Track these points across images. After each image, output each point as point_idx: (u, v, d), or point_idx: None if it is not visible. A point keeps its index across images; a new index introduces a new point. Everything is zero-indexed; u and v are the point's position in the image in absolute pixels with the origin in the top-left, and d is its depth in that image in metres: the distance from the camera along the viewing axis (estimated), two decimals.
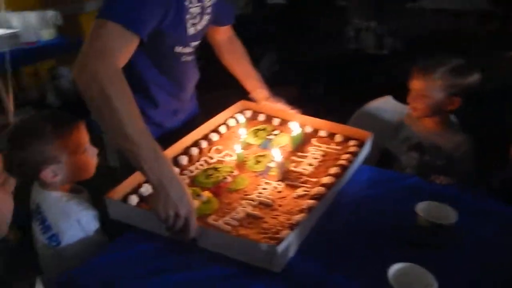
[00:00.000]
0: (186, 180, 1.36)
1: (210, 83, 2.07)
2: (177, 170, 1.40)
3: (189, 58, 1.50)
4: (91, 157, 1.30)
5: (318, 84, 3.88)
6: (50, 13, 3.21)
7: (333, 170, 1.37)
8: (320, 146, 1.55)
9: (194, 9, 1.36)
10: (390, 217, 1.25)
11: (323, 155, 1.50)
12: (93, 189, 1.36)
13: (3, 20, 3.10)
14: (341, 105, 2.05)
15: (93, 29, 1.11)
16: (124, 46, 1.14)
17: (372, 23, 4.27)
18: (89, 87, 1.06)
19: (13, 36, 2.98)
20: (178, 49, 1.42)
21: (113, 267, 1.10)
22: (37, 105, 3.48)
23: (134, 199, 1.25)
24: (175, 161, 1.43)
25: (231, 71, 1.75)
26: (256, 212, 1.21)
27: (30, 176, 1.24)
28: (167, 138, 1.46)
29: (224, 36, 1.72)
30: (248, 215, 1.21)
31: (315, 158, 1.47)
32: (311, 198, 1.23)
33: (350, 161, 1.41)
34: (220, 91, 2.31)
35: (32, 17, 3.13)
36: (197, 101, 1.74)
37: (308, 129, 1.63)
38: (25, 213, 1.27)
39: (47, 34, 3.24)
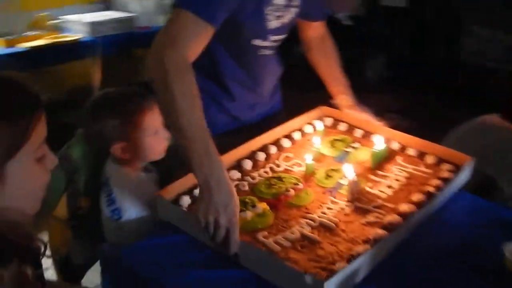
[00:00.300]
0: (245, 188, 1.24)
1: (305, 81, 1.95)
2: (238, 175, 1.28)
3: (268, 52, 1.40)
4: (162, 140, 1.26)
5: (427, 94, 3.54)
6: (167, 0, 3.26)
7: (416, 197, 1.14)
8: (406, 167, 1.32)
9: (279, 1, 1.27)
10: (473, 253, 1.03)
11: (408, 178, 1.27)
12: (164, 170, 1.34)
13: (121, 4, 3.27)
14: (448, 119, 1.76)
15: (169, 17, 1.11)
16: (196, 35, 1.10)
17: (498, 32, 3.75)
18: (154, 72, 1.05)
19: (129, 19, 3.12)
20: (256, 41, 1.33)
21: (156, 252, 1.05)
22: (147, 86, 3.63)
23: (186, 200, 1.16)
24: (238, 165, 1.32)
25: (317, 71, 1.61)
26: (314, 235, 1.04)
27: (103, 149, 1.25)
28: (244, 131, 1.44)
29: (315, 33, 1.58)
30: (304, 237, 1.04)
31: (398, 180, 1.25)
32: (382, 227, 1.03)
33: (439, 189, 1.17)
34: (312, 91, 2.18)
35: (150, 2, 3.24)
36: (280, 97, 1.64)
37: (395, 145, 1.41)
38: (98, 184, 1.29)
39: (162, 20, 3.25)
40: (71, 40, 2.79)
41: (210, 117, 1.31)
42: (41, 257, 0.74)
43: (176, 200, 1.16)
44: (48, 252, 0.72)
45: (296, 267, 0.93)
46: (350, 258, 0.93)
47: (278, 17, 1.31)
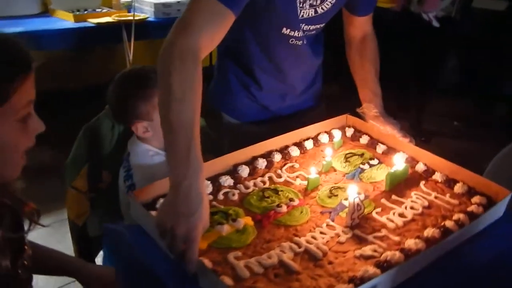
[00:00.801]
0: (235, 197, 1.08)
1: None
2: (230, 182, 1.13)
3: (300, 42, 1.28)
4: None
5: (502, 106, 3.19)
6: None
7: (431, 232, 0.93)
8: (428, 194, 1.10)
9: None
10: None
11: (426, 207, 1.05)
12: None
13: None
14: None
15: (188, 2, 1.03)
16: (213, 22, 1.00)
17: None
18: (160, 59, 0.95)
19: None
20: (287, 31, 1.24)
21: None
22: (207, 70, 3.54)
23: None
24: (234, 170, 1.17)
25: (352, 73, 1.43)
26: (293, 263, 0.87)
27: (127, 125, 1.25)
28: (274, 122, 1.39)
29: (358, 31, 1.40)
30: (281, 264, 0.87)
31: (413, 209, 1.04)
32: (377, 265, 0.83)
33: (461, 225, 0.95)
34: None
35: None
36: (320, 92, 1.52)
37: (420, 167, 1.19)
38: (120, 159, 1.28)
39: None
40: (138, 20, 2.75)
41: (239, 104, 1.36)
42: (29, 222, 0.74)
43: (154, 202, 1.03)
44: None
45: None
46: None
47: (312, 5, 1.18)
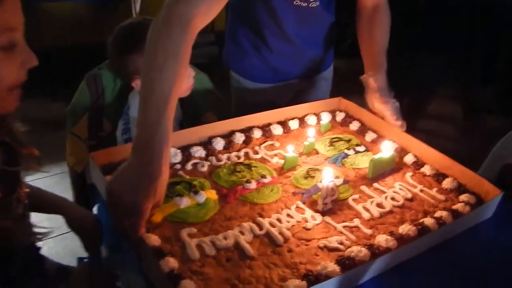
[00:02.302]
0: (204, 168, 0.98)
1: None
2: (202, 153, 1.03)
3: (305, 4, 1.23)
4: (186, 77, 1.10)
5: None
6: None
7: (407, 229, 0.81)
8: (413, 186, 0.99)
9: None
10: None
11: (409, 200, 0.94)
12: (190, 110, 1.28)
13: None
14: None
15: None
16: None
17: None
18: (153, 21, 0.84)
19: None
20: None
21: None
22: (221, 34, 3.38)
23: None
24: (208, 142, 1.06)
25: (359, 43, 1.29)
26: (249, 248, 0.77)
27: (127, 81, 1.21)
28: (283, 82, 1.39)
29: (369, 2, 1.27)
30: (237, 247, 0.78)
31: (394, 200, 0.93)
32: (338, 261, 0.73)
33: (442, 224, 0.84)
34: None
35: None
36: (332, 56, 1.47)
37: (409, 158, 1.07)
38: (120, 111, 1.26)
39: None
40: None
41: (250, 65, 1.36)
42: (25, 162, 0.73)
43: (115, 166, 0.94)
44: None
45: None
46: None
47: None
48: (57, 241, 1.73)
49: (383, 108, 1.16)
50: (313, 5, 1.24)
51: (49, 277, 0.87)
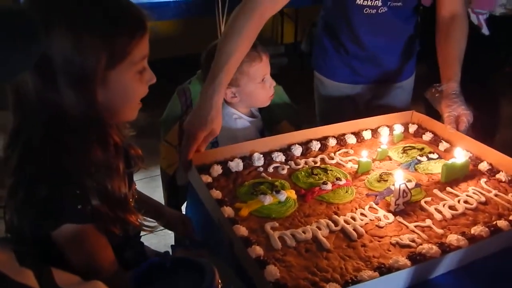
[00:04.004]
0: (284, 171, 1.07)
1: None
2: (282, 158, 1.11)
3: (374, 11, 1.30)
4: (267, 89, 1.27)
5: None
6: None
7: (479, 230, 0.83)
8: (488, 191, 0.99)
9: None
10: None
11: (483, 203, 0.95)
12: (268, 118, 1.36)
13: None
14: None
15: None
16: None
17: None
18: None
19: None
20: (360, 1, 1.29)
21: None
22: (290, 46, 3.53)
23: (217, 170, 1.05)
24: (288, 148, 1.14)
25: (437, 53, 1.32)
26: (325, 241, 0.84)
27: None
28: (361, 85, 1.46)
29: (447, 12, 1.30)
30: (315, 240, 0.85)
31: (467, 203, 0.94)
32: (410, 256, 0.77)
33: None
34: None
35: None
36: (412, 67, 1.49)
37: (483, 166, 1.07)
38: None
39: None
40: None
41: (331, 65, 1.46)
42: (133, 161, 0.86)
43: (208, 167, 1.06)
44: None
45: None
46: (348, 283, 0.72)
47: None
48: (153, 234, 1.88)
49: (445, 111, 1.17)
50: (381, 10, 1.29)
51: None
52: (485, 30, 1.81)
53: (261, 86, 1.25)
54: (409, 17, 1.36)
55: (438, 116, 1.23)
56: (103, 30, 0.69)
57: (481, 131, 1.20)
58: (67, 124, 0.70)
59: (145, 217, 0.88)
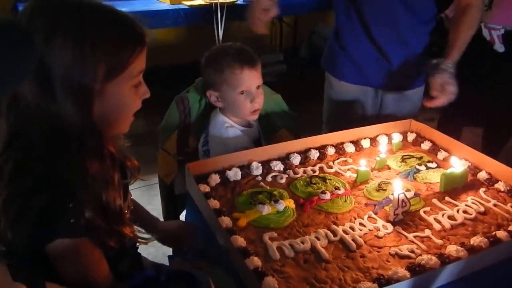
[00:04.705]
0: (282, 180, 1.06)
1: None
2: (280, 167, 1.10)
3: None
4: (248, 102, 1.20)
5: None
6: None
7: (478, 240, 0.82)
8: (487, 201, 0.98)
9: None
10: None
11: (482, 213, 0.94)
12: (265, 128, 1.33)
13: None
14: None
15: None
16: None
17: None
18: None
19: None
20: None
21: None
22: (289, 53, 3.56)
23: (215, 179, 1.04)
24: (286, 157, 1.13)
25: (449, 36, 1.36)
26: (324, 252, 0.83)
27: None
28: (367, 87, 1.46)
29: (463, 2, 1.33)
30: (313, 251, 0.84)
31: (466, 213, 0.94)
32: (409, 267, 0.76)
33: None
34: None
35: None
36: (421, 73, 1.46)
37: (482, 175, 1.06)
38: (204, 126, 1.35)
39: None
40: (228, 2, 2.80)
41: (339, 63, 1.47)
42: (130, 172, 0.84)
43: (206, 177, 1.05)
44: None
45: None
46: None
47: None
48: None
49: (433, 78, 1.24)
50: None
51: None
52: (497, 47, 1.67)
53: (243, 98, 1.20)
54: (425, 21, 1.39)
55: (452, 133, 1.26)
56: (105, 43, 0.69)
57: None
58: (63, 134, 0.69)
59: (139, 229, 0.87)
